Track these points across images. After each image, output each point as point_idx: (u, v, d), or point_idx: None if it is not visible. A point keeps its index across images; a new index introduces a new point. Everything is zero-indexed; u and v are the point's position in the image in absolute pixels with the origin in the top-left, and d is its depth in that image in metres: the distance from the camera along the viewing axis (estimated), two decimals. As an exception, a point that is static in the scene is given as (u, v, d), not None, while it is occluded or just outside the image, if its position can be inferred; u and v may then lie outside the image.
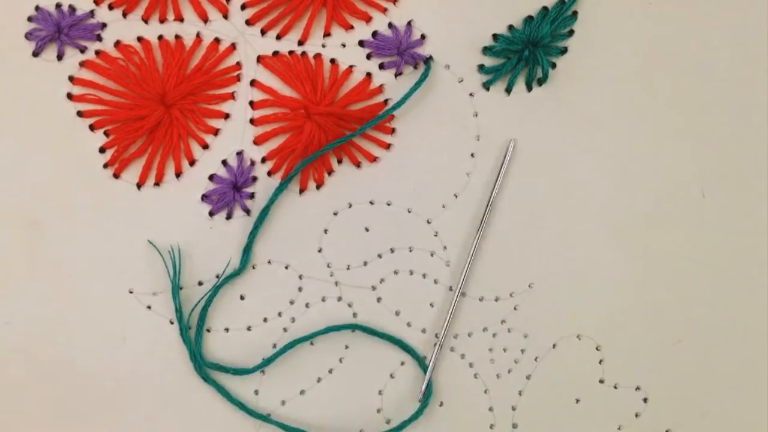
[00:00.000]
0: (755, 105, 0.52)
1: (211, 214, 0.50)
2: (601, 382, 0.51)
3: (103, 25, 0.51)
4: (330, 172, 0.51)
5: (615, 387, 0.51)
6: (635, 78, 0.52)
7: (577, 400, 0.51)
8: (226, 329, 0.50)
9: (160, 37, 0.51)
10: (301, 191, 0.51)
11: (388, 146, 0.52)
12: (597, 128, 0.52)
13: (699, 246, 0.52)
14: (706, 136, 0.52)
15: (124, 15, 0.51)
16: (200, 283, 0.50)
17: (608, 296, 0.51)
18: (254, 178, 0.51)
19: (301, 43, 0.51)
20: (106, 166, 0.50)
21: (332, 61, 0.51)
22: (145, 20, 0.51)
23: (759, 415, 0.51)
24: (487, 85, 0.52)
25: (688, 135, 0.52)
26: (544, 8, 0.52)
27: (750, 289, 0.52)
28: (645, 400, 0.51)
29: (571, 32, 0.52)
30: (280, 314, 0.50)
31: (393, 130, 0.51)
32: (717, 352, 0.51)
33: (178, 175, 0.51)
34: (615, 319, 0.51)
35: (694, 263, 0.52)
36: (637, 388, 0.51)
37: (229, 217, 0.50)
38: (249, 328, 0.50)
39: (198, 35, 0.51)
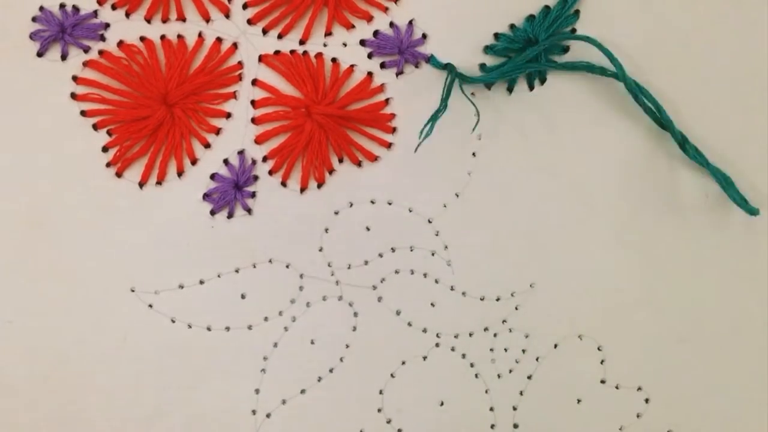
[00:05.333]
0: (758, 104, 0.52)
1: (212, 213, 0.51)
2: (603, 382, 0.51)
3: (107, 25, 0.51)
4: (331, 171, 0.51)
5: (617, 387, 0.51)
6: (637, 76, 0.52)
7: (579, 401, 0.51)
8: (227, 328, 0.50)
9: (163, 37, 0.51)
10: (302, 190, 0.51)
11: (389, 145, 0.51)
12: (599, 127, 0.52)
13: (701, 246, 0.51)
14: (709, 135, 0.52)
15: (127, 15, 0.51)
16: (201, 282, 0.50)
17: (610, 296, 0.51)
18: (255, 177, 0.51)
19: (302, 42, 0.52)
20: (108, 165, 0.51)
21: (333, 60, 0.52)
22: (148, 20, 0.51)
23: (760, 415, 0.51)
24: (488, 85, 0.52)
25: (691, 134, 0.52)
26: (546, 7, 0.52)
27: (752, 289, 0.51)
28: (647, 400, 0.51)
29: (573, 31, 0.52)
30: (281, 313, 0.50)
31: (394, 129, 0.51)
32: (719, 352, 0.51)
33: (180, 174, 0.51)
34: (617, 319, 0.51)
35: (696, 263, 0.51)
36: (639, 389, 0.51)
37: (230, 216, 0.51)
38: (250, 327, 0.50)
39: (200, 35, 0.51)
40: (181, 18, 0.51)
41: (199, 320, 0.50)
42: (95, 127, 0.51)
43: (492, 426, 0.50)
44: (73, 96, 0.51)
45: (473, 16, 0.52)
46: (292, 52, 0.51)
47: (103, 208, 0.50)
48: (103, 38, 0.51)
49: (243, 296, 0.50)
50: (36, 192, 0.50)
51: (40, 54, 0.51)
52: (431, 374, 0.51)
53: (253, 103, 0.51)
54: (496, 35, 0.52)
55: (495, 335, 0.51)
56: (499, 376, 0.51)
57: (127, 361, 0.49)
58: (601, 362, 0.51)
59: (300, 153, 0.51)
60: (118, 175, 0.51)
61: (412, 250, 0.51)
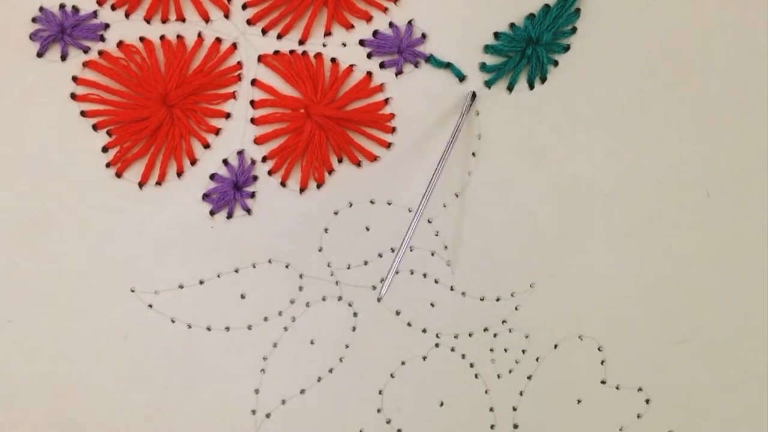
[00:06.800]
0: (760, 103, 0.52)
1: (212, 213, 0.51)
2: (603, 382, 0.51)
3: (106, 26, 0.51)
4: (330, 172, 0.51)
5: (617, 388, 0.51)
6: (638, 76, 0.52)
7: (579, 401, 0.50)
8: (227, 328, 0.50)
9: (162, 37, 0.51)
10: (302, 190, 0.51)
11: (388, 145, 0.51)
12: (600, 127, 0.52)
13: (703, 246, 0.51)
14: (710, 135, 0.52)
15: (127, 15, 0.51)
16: (201, 282, 0.50)
17: (610, 296, 0.51)
18: (255, 178, 0.51)
19: (301, 42, 0.52)
20: (108, 165, 0.51)
21: (333, 60, 0.51)
22: (147, 20, 0.51)
23: (761, 416, 0.50)
24: (488, 84, 0.52)
25: (693, 133, 0.52)
26: (546, 6, 0.51)
27: (753, 289, 0.51)
28: (647, 401, 0.51)
29: (574, 30, 0.52)
30: (280, 313, 0.51)
31: (393, 129, 0.51)
32: (720, 353, 0.51)
33: (179, 174, 0.51)
34: (617, 320, 0.51)
35: (698, 263, 0.51)
36: (639, 389, 0.51)
37: (229, 216, 0.51)
38: (250, 327, 0.50)
39: (199, 35, 0.51)
40: (181, 18, 0.51)
41: (199, 320, 0.50)
42: (95, 127, 0.51)
43: (492, 426, 0.50)
44: (73, 96, 0.51)
45: (473, 16, 0.52)
46: (292, 52, 0.51)
47: (103, 209, 0.50)
48: (102, 38, 0.51)
49: (243, 296, 0.50)
50: (36, 192, 0.50)
51: (39, 54, 0.51)
52: (431, 374, 0.51)
53: (252, 103, 0.51)
54: (497, 34, 0.52)
55: (495, 335, 0.51)
56: (499, 376, 0.51)
57: (127, 361, 0.50)
58: (602, 362, 0.51)
59: (300, 154, 0.51)
60: (118, 175, 0.51)
61: (411, 251, 0.51)
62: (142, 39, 0.51)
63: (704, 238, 0.51)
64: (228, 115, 0.51)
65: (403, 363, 0.51)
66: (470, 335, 0.51)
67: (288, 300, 0.51)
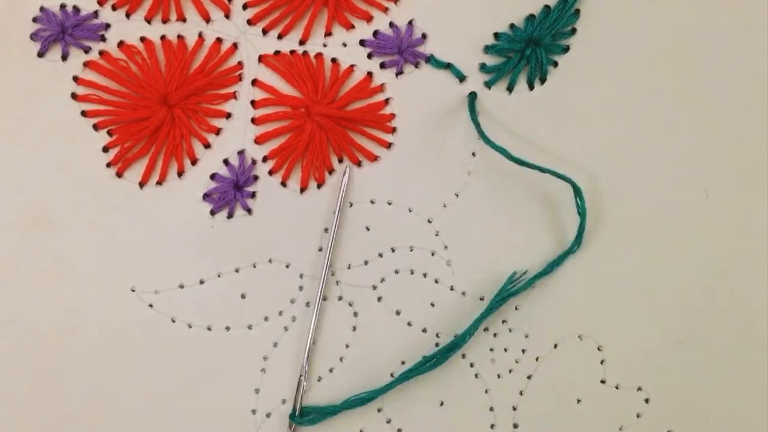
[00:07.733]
0: (759, 103, 0.52)
1: (212, 213, 0.51)
2: (603, 382, 0.51)
3: (107, 26, 0.51)
4: (331, 171, 0.51)
5: (616, 387, 0.51)
6: (637, 76, 0.52)
7: (579, 401, 0.50)
8: (227, 328, 0.50)
9: (163, 37, 0.51)
10: (302, 190, 0.51)
11: (388, 145, 0.52)
12: (599, 127, 0.52)
13: (702, 246, 0.51)
14: (709, 135, 0.52)
15: (128, 15, 0.51)
16: (201, 282, 0.50)
17: (610, 296, 0.51)
18: (255, 177, 0.51)
19: (302, 42, 0.52)
20: (109, 165, 0.51)
21: (333, 60, 0.52)
22: (148, 20, 0.51)
23: (760, 415, 0.50)
24: (488, 84, 0.52)
25: (692, 133, 0.52)
26: (546, 7, 0.52)
27: (752, 289, 0.51)
28: (647, 400, 0.51)
29: (574, 30, 0.52)
30: (281, 313, 0.50)
31: (394, 129, 0.52)
32: (719, 352, 0.51)
33: (180, 174, 0.51)
34: (617, 320, 0.51)
35: (697, 263, 0.51)
36: (639, 389, 0.51)
37: (230, 216, 0.51)
38: (250, 327, 0.50)
39: (200, 35, 0.51)
40: (181, 18, 0.52)
41: (199, 320, 0.50)
42: (96, 127, 0.51)
43: (492, 426, 0.50)
44: (74, 96, 0.51)
45: (473, 16, 0.52)
46: (292, 52, 0.51)
47: (104, 209, 0.50)
48: (103, 39, 0.51)
49: (243, 296, 0.50)
50: (36, 192, 0.50)
51: (40, 54, 0.51)
52: (431, 374, 0.50)
53: (253, 103, 0.51)
54: (496, 35, 0.52)
55: (495, 335, 0.51)
56: (499, 376, 0.51)
57: (127, 361, 0.49)
58: (601, 362, 0.51)
59: (301, 153, 0.51)
60: (119, 175, 0.51)
61: (411, 250, 0.51)
62: (142, 39, 0.51)
63: (703, 238, 0.51)
64: (229, 115, 0.51)
65: (403, 363, 0.51)
66: (470, 335, 0.51)
67: (288, 300, 0.51)
